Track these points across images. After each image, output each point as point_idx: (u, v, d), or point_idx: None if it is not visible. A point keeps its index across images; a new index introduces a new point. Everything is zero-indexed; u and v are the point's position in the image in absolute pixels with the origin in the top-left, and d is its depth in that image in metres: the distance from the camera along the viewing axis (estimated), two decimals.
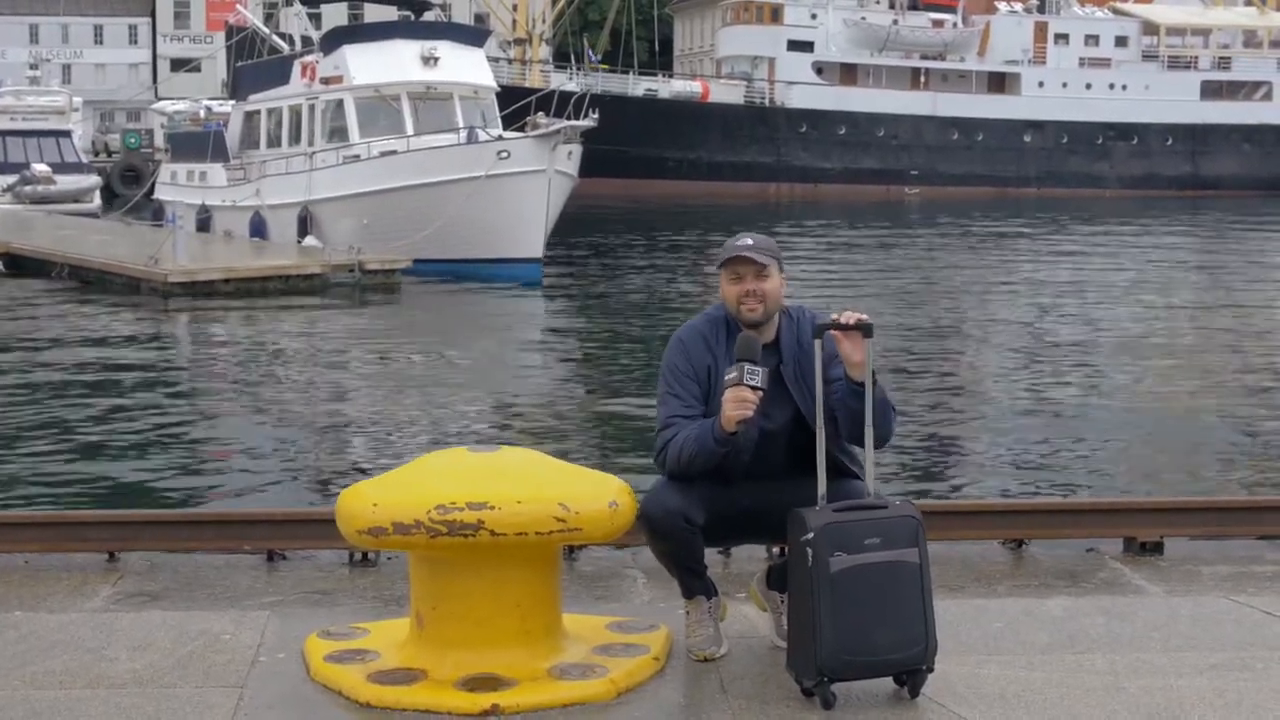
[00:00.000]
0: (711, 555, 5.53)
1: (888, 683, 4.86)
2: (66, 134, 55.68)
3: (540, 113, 32.82)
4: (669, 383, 5.21)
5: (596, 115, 32.90)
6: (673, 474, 5.14)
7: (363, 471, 11.98)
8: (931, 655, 4.82)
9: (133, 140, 72.51)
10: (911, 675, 4.83)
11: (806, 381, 5.12)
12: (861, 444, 5.08)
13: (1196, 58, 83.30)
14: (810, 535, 4.72)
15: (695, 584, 5.29)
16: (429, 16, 40.98)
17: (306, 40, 39.42)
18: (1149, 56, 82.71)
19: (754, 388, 4.91)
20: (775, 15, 78.28)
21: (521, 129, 32.51)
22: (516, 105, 35.04)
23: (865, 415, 4.95)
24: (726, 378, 4.97)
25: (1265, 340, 23.03)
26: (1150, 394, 17.82)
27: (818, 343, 5.02)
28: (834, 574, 4.68)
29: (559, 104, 33.44)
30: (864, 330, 4.92)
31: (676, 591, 5.40)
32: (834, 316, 5.00)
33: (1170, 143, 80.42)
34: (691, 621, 5.29)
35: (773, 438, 5.17)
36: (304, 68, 36.60)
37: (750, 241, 5.18)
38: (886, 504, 4.88)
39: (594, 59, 69.73)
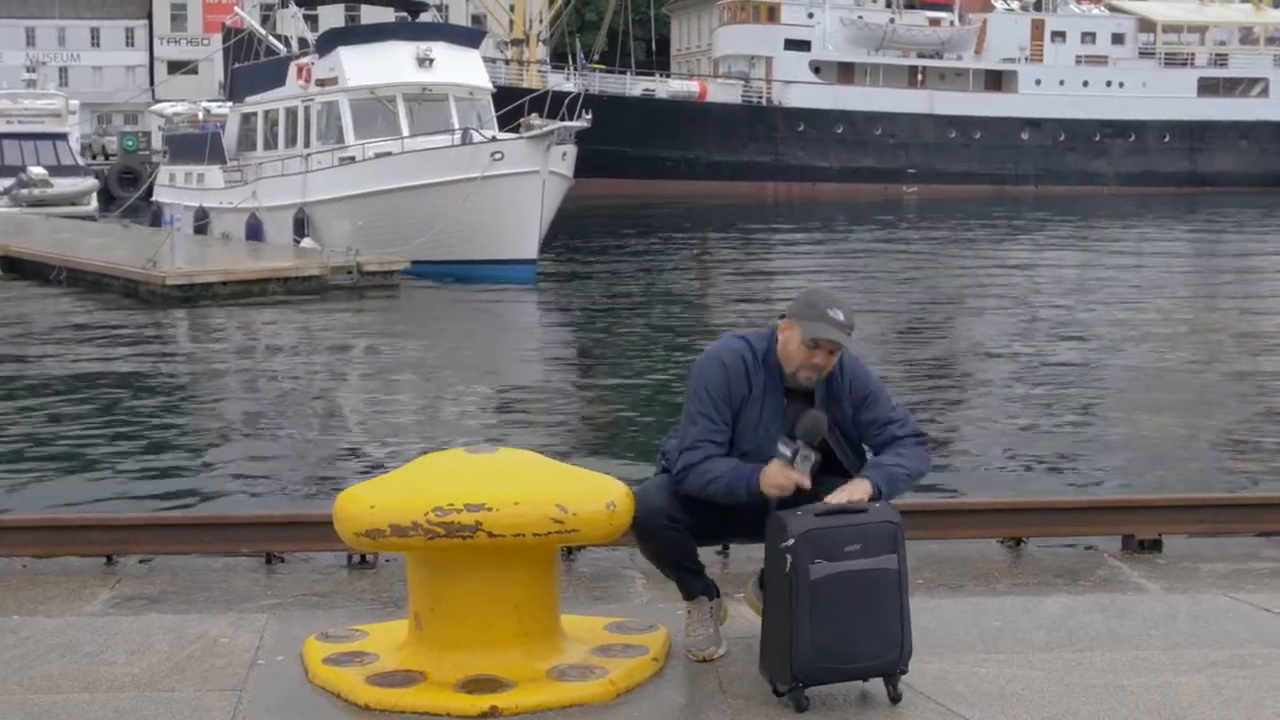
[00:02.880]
0: (710, 556, 5.52)
1: (880, 684, 4.83)
2: (63, 137, 55.70)
3: (534, 114, 32.82)
4: (702, 402, 5.09)
5: (590, 116, 32.89)
6: (686, 491, 5.09)
7: (360, 473, 11.97)
8: (906, 658, 4.80)
9: (130, 143, 72.53)
10: (889, 680, 4.80)
11: (837, 423, 5.10)
12: None
13: (1193, 54, 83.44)
14: (791, 541, 4.69)
15: (696, 584, 5.28)
16: (425, 17, 40.93)
17: (303, 42, 39.38)
18: (1146, 54, 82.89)
19: (803, 472, 4.89)
20: (772, 14, 78.37)
21: (515, 130, 32.51)
22: (512, 105, 35.05)
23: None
24: (780, 448, 4.92)
25: (1263, 336, 23.04)
26: (1148, 391, 17.82)
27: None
28: (814, 581, 4.66)
29: (553, 104, 33.44)
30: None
31: (674, 592, 5.39)
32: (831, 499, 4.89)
33: (1168, 140, 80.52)
34: (692, 622, 5.28)
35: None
36: (300, 69, 36.57)
37: (842, 318, 5.01)
38: (867, 508, 4.84)
39: (584, 63, 69.70)
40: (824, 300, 5.08)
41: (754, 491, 4.93)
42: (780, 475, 4.89)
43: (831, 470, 5.07)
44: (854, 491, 4.86)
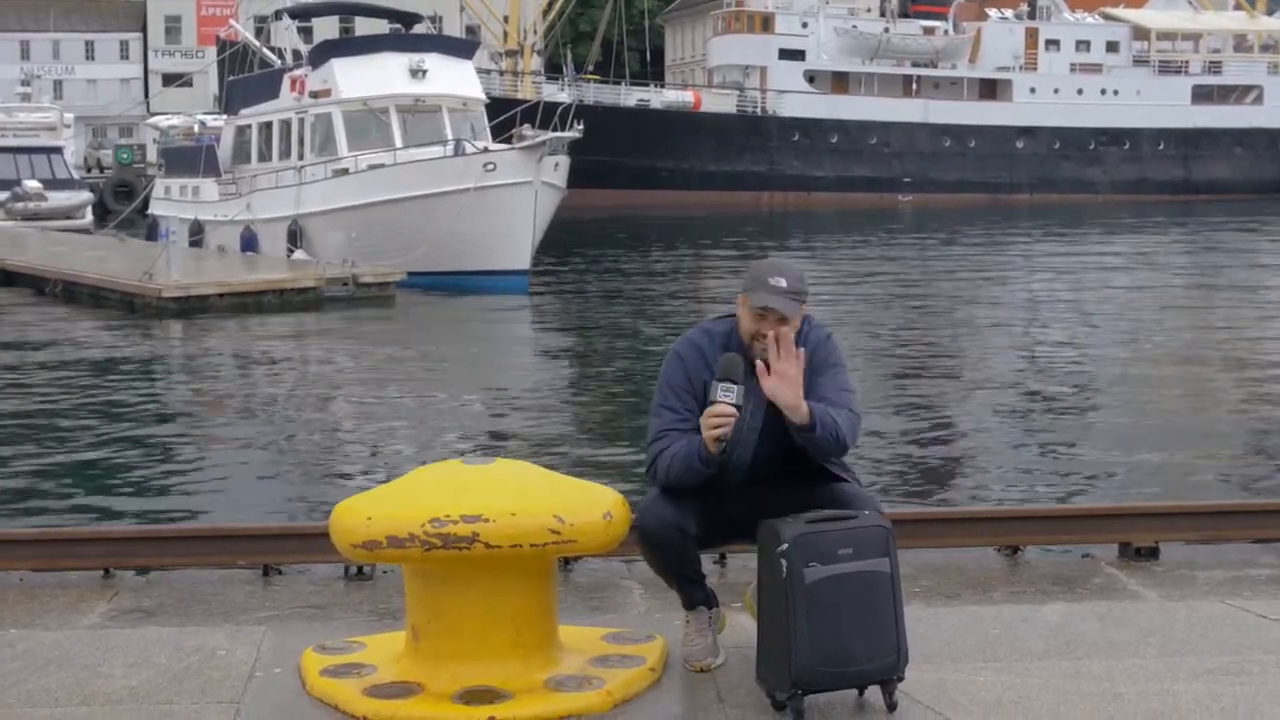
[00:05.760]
0: (707, 564, 5.52)
1: (877, 694, 4.83)
2: (58, 150, 55.64)
3: (526, 124, 32.84)
4: (664, 395, 5.16)
5: (582, 126, 32.92)
6: (664, 487, 5.13)
7: (357, 485, 11.97)
8: (903, 664, 4.79)
9: (125, 156, 72.47)
10: (884, 685, 4.80)
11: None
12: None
13: (1187, 62, 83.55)
14: (784, 546, 4.69)
15: (696, 594, 5.28)
16: (419, 29, 40.95)
17: (297, 54, 39.41)
18: (1140, 62, 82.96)
19: (733, 405, 4.90)
20: (766, 24, 78.42)
21: (508, 141, 32.53)
22: (506, 116, 35.08)
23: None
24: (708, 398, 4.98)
25: (1258, 343, 23.06)
26: (1144, 398, 17.83)
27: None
28: (809, 585, 4.66)
29: (545, 115, 33.44)
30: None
31: (672, 602, 5.39)
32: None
33: (1162, 147, 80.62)
34: (690, 632, 5.28)
35: (769, 446, 5.15)
36: (293, 81, 36.59)
37: (784, 284, 5.00)
38: (856, 514, 4.85)
39: (574, 75, 69.73)
40: (768, 269, 5.08)
41: (704, 454, 4.96)
42: (708, 420, 4.91)
43: (795, 464, 5.08)
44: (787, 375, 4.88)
